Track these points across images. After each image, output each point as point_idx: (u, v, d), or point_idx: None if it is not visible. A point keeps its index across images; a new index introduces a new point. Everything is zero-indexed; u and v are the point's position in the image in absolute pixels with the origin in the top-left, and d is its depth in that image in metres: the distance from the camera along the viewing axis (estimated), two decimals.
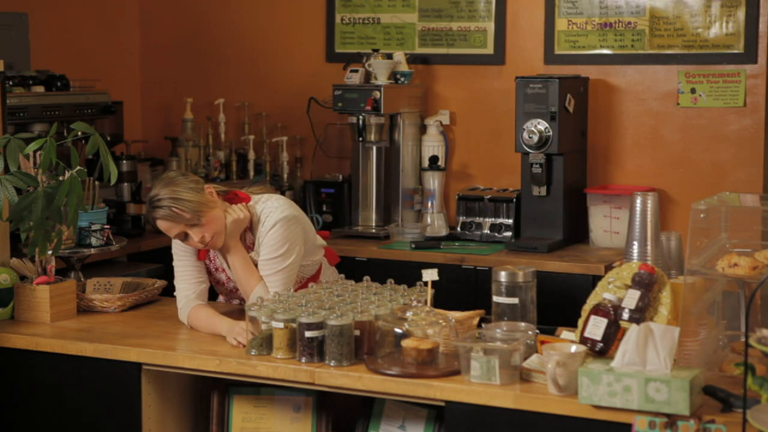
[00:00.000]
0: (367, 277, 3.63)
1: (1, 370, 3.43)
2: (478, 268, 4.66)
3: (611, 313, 2.82)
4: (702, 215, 2.87)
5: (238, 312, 3.61)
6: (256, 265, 3.56)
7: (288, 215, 3.56)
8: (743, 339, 2.82)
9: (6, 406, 3.45)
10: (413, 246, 4.84)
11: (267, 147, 5.64)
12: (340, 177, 5.37)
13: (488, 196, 5.06)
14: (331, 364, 3.01)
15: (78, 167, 3.40)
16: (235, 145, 5.78)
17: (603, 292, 2.94)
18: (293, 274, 3.57)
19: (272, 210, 3.56)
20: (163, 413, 3.34)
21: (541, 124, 4.81)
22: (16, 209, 3.34)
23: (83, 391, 3.33)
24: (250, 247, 3.61)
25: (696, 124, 4.98)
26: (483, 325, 3.08)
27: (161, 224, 3.47)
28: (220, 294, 3.84)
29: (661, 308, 2.88)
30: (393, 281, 3.50)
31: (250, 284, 3.52)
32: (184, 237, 3.49)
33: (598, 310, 2.84)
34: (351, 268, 4.52)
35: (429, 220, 5.17)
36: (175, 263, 3.67)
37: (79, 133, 3.47)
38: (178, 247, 3.64)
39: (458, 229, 5.08)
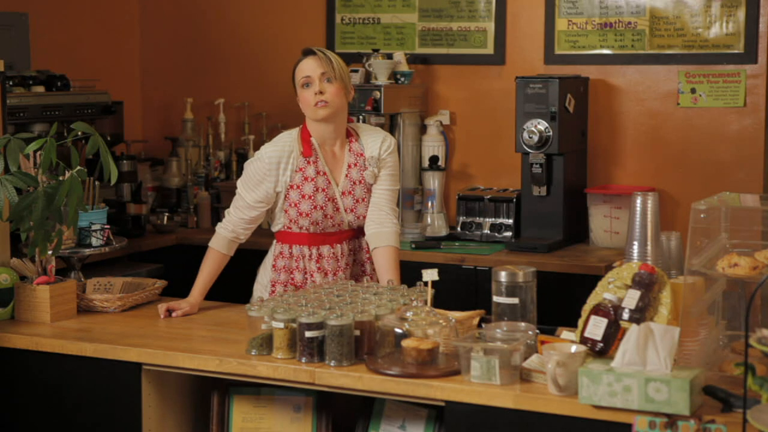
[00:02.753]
0: (367, 277, 3.63)
1: (1, 370, 3.43)
2: (478, 268, 4.66)
3: (611, 313, 2.82)
4: (702, 215, 2.87)
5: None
6: (368, 187, 3.73)
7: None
8: (743, 339, 2.81)
9: (6, 406, 3.45)
10: (413, 246, 4.84)
11: None
12: None
13: (488, 196, 5.06)
14: (331, 364, 3.01)
15: (78, 167, 3.40)
16: (235, 145, 5.78)
17: (603, 292, 2.94)
18: None
19: (387, 133, 3.81)
20: (163, 413, 3.34)
21: (541, 124, 4.81)
22: (16, 209, 3.34)
23: (83, 391, 3.33)
24: (358, 155, 3.72)
25: (696, 124, 4.98)
26: (483, 325, 3.08)
27: (309, 62, 3.66)
28: (293, 227, 3.75)
29: (661, 308, 2.88)
30: (393, 281, 3.50)
31: (395, 255, 3.73)
32: (307, 85, 3.65)
33: (598, 310, 2.84)
34: None
35: (429, 220, 5.17)
36: (242, 188, 3.71)
37: (79, 133, 3.46)
38: (256, 177, 3.68)
39: (458, 229, 5.08)
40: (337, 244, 3.73)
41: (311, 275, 3.72)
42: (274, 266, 3.78)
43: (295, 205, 3.68)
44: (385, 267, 3.65)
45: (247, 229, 3.75)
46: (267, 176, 3.68)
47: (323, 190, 3.68)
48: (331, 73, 3.63)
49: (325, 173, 3.69)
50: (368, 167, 3.72)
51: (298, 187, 3.68)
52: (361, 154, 3.73)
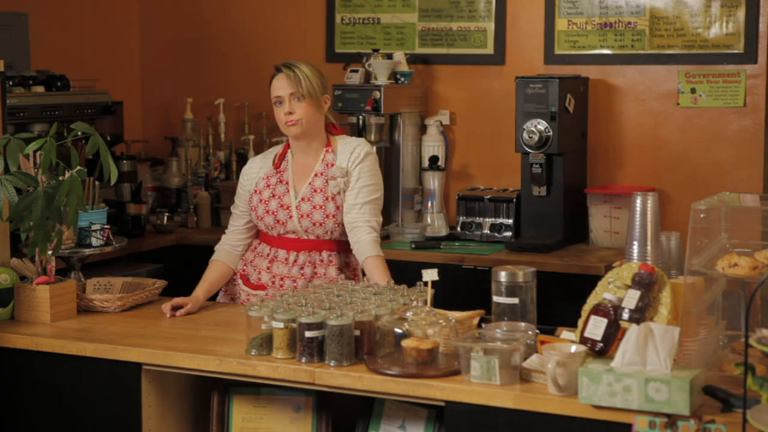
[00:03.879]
0: (367, 277, 3.63)
1: (1, 370, 3.43)
2: (478, 268, 4.65)
3: (611, 313, 2.82)
4: (702, 215, 2.87)
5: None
6: (333, 196, 3.75)
7: (374, 152, 3.87)
8: (743, 339, 2.82)
9: (6, 406, 3.45)
10: (413, 246, 4.84)
11: (267, 147, 5.64)
12: None
13: (488, 196, 5.06)
14: (331, 364, 3.01)
15: (78, 167, 3.40)
16: (235, 145, 5.78)
17: (603, 292, 2.94)
18: (380, 207, 3.83)
19: (361, 143, 3.84)
20: (163, 413, 3.34)
21: (541, 124, 4.81)
22: (16, 209, 3.34)
23: (83, 391, 3.33)
24: (330, 164, 3.78)
25: (696, 124, 4.98)
26: (483, 325, 3.08)
27: (280, 80, 3.74)
28: (266, 237, 3.88)
29: (661, 308, 2.88)
30: (393, 281, 3.50)
31: (378, 262, 3.69)
32: (279, 103, 3.74)
33: (598, 310, 2.84)
34: None
35: (429, 220, 5.17)
36: (233, 215, 3.91)
37: (79, 133, 3.46)
38: (239, 187, 3.90)
39: (458, 229, 5.08)
40: (293, 251, 3.79)
41: (259, 272, 3.82)
42: (242, 257, 3.92)
43: (254, 208, 3.83)
44: (374, 275, 3.65)
45: (240, 240, 3.90)
46: (242, 187, 3.89)
47: (279, 197, 3.79)
48: (299, 92, 3.71)
49: (287, 182, 3.80)
50: (335, 178, 3.75)
51: (259, 192, 3.82)
52: (332, 165, 3.79)
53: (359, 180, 3.77)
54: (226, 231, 3.94)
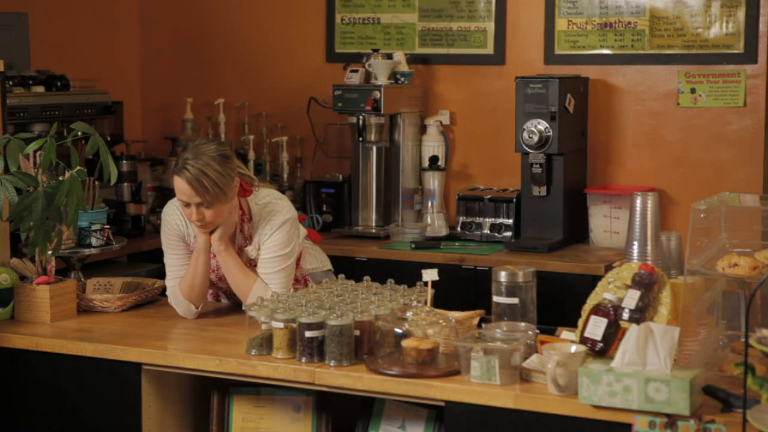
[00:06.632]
0: (367, 277, 3.63)
1: (1, 370, 3.43)
2: (478, 268, 4.66)
3: (611, 313, 2.82)
4: (702, 215, 2.87)
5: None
6: (250, 260, 3.60)
7: (292, 217, 3.63)
8: (743, 339, 2.82)
9: (6, 406, 3.45)
10: (413, 246, 4.84)
11: (267, 147, 5.64)
12: (340, 177, 5.37)
13: (488, 196, 5.06)
14: (331, 364, 3.01)
15: (78, 167, 3.40)
16: (235, 145, 5.77)
17: (603, 292, 2.94)
18: (293, 273, 3.63)
19: (279, 210, 3.61)
20: (163, 413, 3.34)
21: (541, 124, 4.81)
22: (16, 209, 3.35)
23: (83, 391, 3.34)
24: (248, 238, 3.62)
25: (696, 124, 4.98)
26: (483, 325, 3.08)
27: (184, 185, 3.41)
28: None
29: (661, 308, 2.88)
30: (393, 281, 3.50)
31: (247, 283, 3.54)
32: (187, 205, 3.46)
33: (598, 310, 2.84)
34: (351, 268, 4.52)
35: (429, 220, 5.17)
36: (166, 259, 3.67)
37: (79, 133, 3.47)
38: (170, 242, 3.65)
39: (458, 229, 5.08)
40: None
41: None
42: None
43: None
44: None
45: None
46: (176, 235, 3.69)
47: (215, 270, 3.66)
48: (207, 202, 3.42)
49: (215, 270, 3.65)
50: (251, 244, 3.63)
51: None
52: (250, 236, 3.62)
53: (267, 249, 3.58)
54: None
